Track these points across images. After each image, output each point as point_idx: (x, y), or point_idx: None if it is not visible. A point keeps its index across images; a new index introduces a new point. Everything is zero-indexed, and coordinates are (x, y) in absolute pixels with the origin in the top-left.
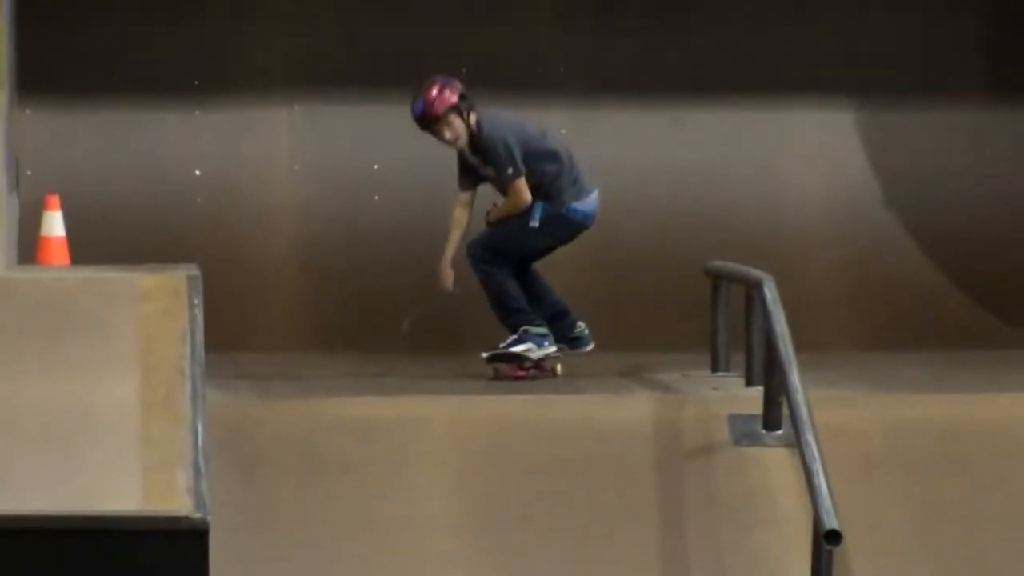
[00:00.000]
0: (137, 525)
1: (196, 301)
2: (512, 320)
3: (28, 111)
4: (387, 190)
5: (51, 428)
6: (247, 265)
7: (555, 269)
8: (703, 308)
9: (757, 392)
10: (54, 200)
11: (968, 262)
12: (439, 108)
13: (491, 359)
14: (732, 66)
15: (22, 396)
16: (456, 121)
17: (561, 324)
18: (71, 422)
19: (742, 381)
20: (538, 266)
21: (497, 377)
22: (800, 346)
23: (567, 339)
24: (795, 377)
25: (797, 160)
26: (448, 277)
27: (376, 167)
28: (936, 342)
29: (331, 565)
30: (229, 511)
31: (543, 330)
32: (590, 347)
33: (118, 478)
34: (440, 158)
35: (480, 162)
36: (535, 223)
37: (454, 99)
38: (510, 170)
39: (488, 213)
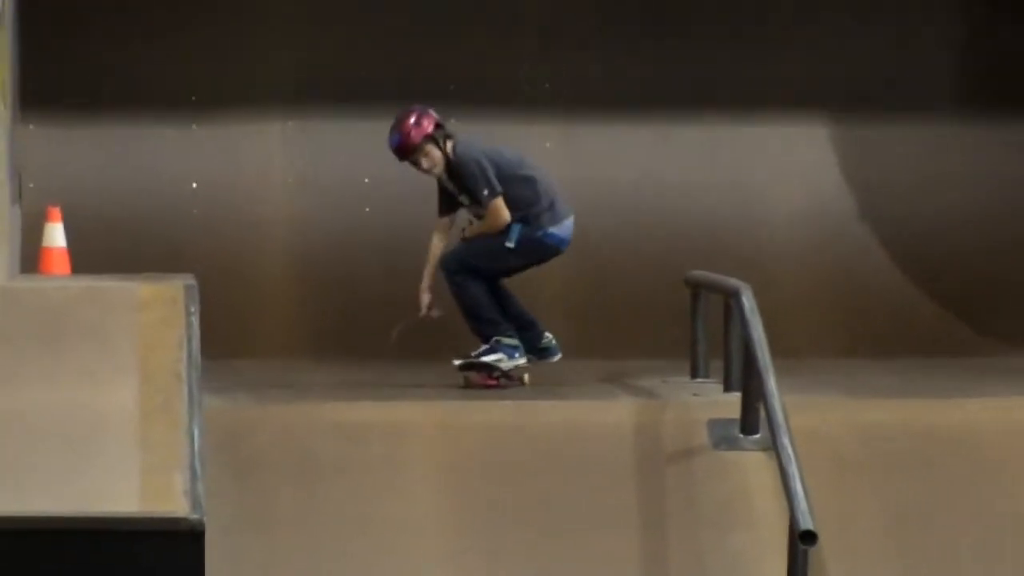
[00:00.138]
0: (136, 526)
1: (193, 309)
2: (484, 330)
3: (31, 126)
4: (377, 202)
5: (53, 432)
6: (242, 274)
7: (540, 279)
8: (683, 316)
9: (735, 397)
10: (55, 212)
11: (938, 272)
12: (416, 138)
13: (463, 367)
14: (712, 84)
15: (26, 402)
16: (433, 150)
17: (529, 335)
18: (73, 427)
19: (721, 387)
20: (522, 274)
21: (468, 385)
22: (776, 353)
23: (535, 350)
24: (772, 383)
25: (774, 174)
26: (425, 300)
27: (367, 180)
28: (907, 349)
29: (324, 565)
30: (224, 512)
31: (514, 341)
32: (557, 357)
33: (118, 481)
34: None
35: (457, 189)
36: (511, 244)
37: (430, 129)
38: (485, 191)
39: (464, 230)
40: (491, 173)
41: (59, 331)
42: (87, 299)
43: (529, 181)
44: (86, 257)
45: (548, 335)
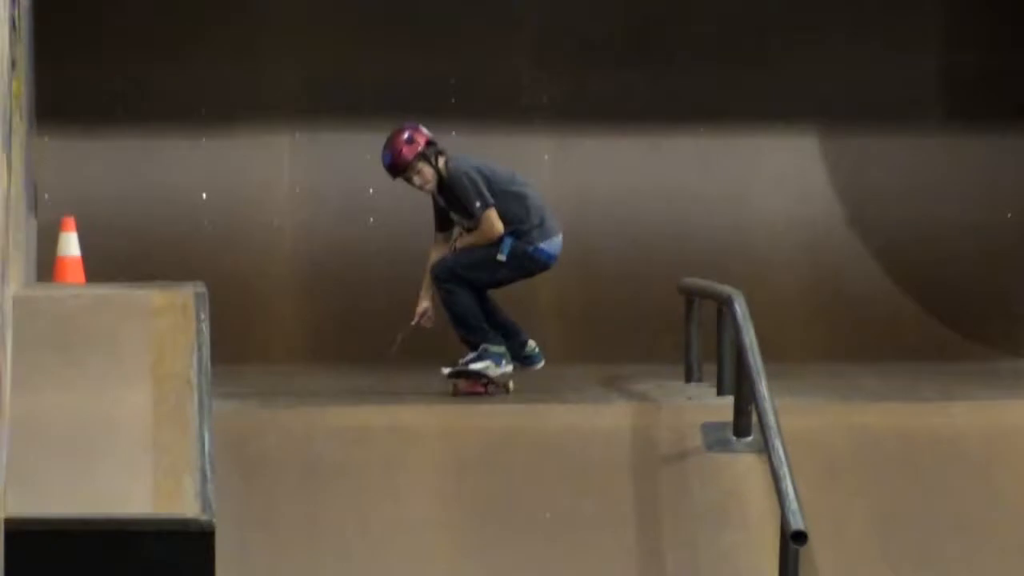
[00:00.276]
0: (148, 527)
1: (203, 316)
2: (473, 338)
3: (46, 139)
4: (381, 213)
5: (69, 436)
6: (250, 283)
7: (538, 286)
8: (677, 323)
9: (728, 401)
10: (70, 222)
11: (925, 279)
12: (408, 155)
13: (452, 375)
14: (704, 96)
15: (43, 406)
16: (425, 167)
17: (512, 343)
18: (88, 431)
19: (714, 391)
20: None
21: (456, 393)
22: (768, 358)
23: (519, 357)
24: (763, 387)
25: (765, 184)
26: (420, 309)
27: (371, 191)
28: (895, 354)
29: (328, 563)
30: (233, 513)
31: (501, 349)
32: (541, 364)
33: (131, 483)
34: None
35: (448, 205)
36: (502, 257)
37: (421, 146)
38: (478, 203)
39: (455, 240)
40: (483, 186)
41: (73, 337)
42: (101, 306)
43: (520, 198)
44: (100, 266)
45: (531, 343)
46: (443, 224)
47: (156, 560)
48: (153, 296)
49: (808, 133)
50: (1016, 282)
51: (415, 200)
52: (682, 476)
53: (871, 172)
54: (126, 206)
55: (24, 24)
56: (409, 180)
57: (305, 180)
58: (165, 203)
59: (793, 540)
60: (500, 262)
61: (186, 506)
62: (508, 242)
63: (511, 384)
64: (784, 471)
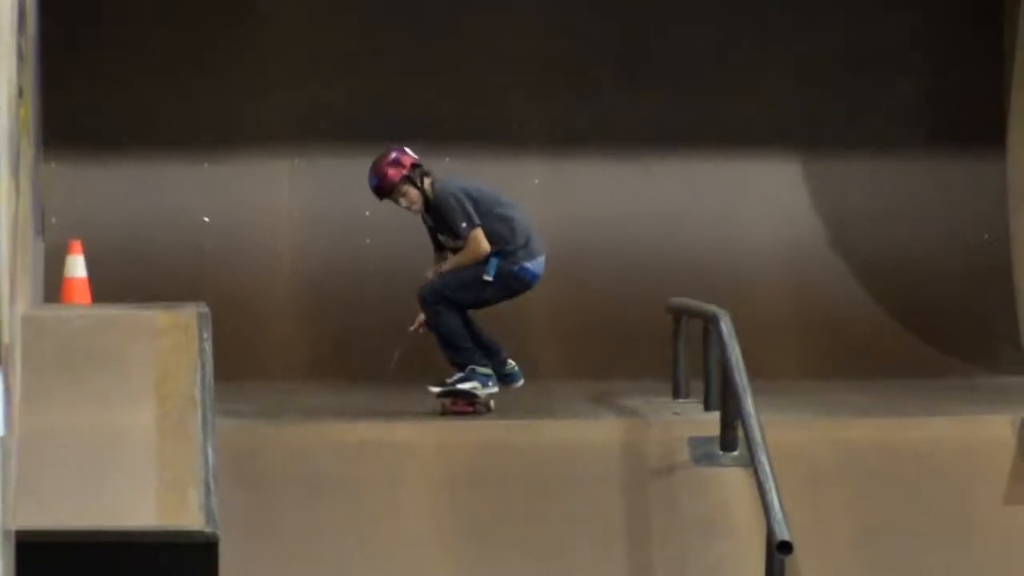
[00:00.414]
0: (154, 538)
1: (206, 335)
2: (460, 359)
3: (53, 164)
4: (378, 235)
5: (75, 451)
6: (251, 303)
7: (530, 305)
8: (665, 341)
9: (714, 416)
10: (76, 245)
11: (907, 298)
12: (394, 178)
13: (441, 395)
14: (692, 122)
15: (50, 422)
16: (411, 190)
17: (493, 362)
18: (95, 446)
19: (701, 406)
20: (513, 301)
21: (444, 412)
22: (753, 375)
23: (500, 376)
24: (749, 403)
25: (751, 206)
26: (420, 319)
27: (368, 214)
28: (877, 371)
29: (329, 573)
30: (236, 525)
31: (487, 370)
32: (520, 383)
33: (136, 496)
34: None
35: (436, 225)
36: (489, 277)
37: (406, 168)
38: (464, 224)
39: (440, 264)
40: (469, 206)
41: (80, 356)
42: (106, 326)
43: (506, 219)
44: (105, 287)
45: (511, 362)
46: (439, 244)
47: (161, 571)
48: (157, 316)
49: (793, 157)
50: (994, 302)
51: (410, 221)
52: (671, 490)
53: (854, 195)
54: (131, 229)
55: (30, 52)
56: (396, 202)
57: (304, 203)
58: (169, 226)
59: (779, 550)
60: (487, 282)
61: (190, 518)
62: (494, 262)
63: (492, 403)
64: (770, 484)
